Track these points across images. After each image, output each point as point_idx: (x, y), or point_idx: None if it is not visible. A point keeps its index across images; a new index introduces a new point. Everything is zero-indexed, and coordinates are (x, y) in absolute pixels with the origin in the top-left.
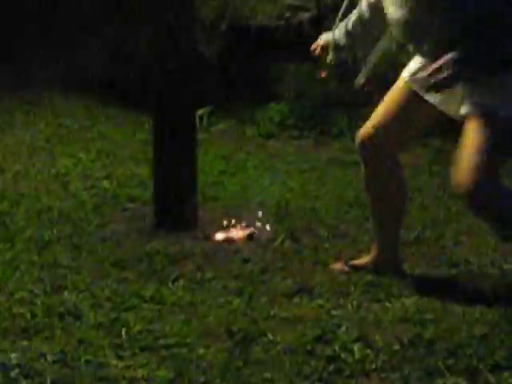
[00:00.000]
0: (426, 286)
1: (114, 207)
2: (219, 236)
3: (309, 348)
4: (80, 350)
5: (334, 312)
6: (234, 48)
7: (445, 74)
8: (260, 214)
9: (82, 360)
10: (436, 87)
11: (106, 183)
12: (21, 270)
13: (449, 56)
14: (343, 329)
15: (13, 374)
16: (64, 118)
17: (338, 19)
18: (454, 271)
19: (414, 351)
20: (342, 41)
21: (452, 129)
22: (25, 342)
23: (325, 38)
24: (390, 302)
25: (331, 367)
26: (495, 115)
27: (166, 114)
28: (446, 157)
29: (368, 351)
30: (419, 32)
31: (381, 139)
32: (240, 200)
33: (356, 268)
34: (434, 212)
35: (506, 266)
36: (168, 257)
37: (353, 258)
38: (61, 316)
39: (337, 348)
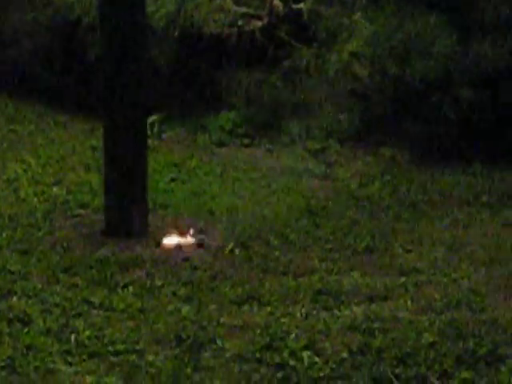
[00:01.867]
0: (375, 294)
1: (64, 213)
2: (167, 241)
3: (258, 355)
4: (28, 356)
5: (283, 319)
6: (186, 55)
7: None
8: (210, 221)
9: (31, 366)
10: None
11: (56, 189)
12: None
13: None
14: (292, 336)
15: None
16: (14, 124)
17: None
18: (403, 279)
19: (363, 359)
20: None
21: (403, 138)
22: None
23: None
24: (339, 310)
25: (280, 374)
26: None
27: (117, 120)
28: (397, 166)
29: (317, 359)
30: None
31: None
32: (191, 207)
33: None
34: (384, 221)
35: (454, 275)
36: (118, 263)
37: (302, 266)
38: (9, 321)
39: (286, 355)
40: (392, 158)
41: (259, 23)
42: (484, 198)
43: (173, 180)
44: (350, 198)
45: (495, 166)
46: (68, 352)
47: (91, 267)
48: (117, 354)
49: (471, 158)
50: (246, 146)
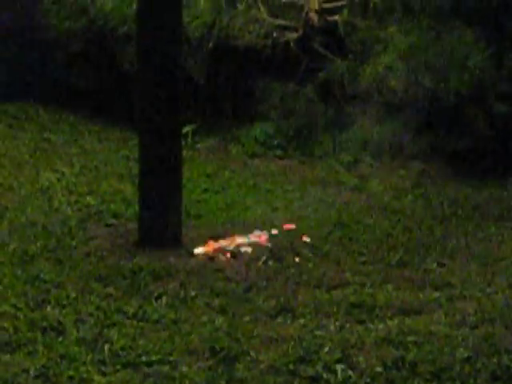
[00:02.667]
0: (408, 308)
1: (97, 223)
2: (198, 250)
3: (291, 368)
4: (62, 366)
5: (316, 332)
6: (221, 66)
7: None
8: (244, 232)
9: (65, 376)
10: None
11: (89, 199)
12: (4, 283)
13: None
14: (326, 349)
15: None
16: (48, 133)
17: None
18: (436, 294)
19: (397, 373)
20: None
21: (436, 152)
22: (7, 357)
23: None
24: (373, 324)
25: None
26: None
27: (152, 130)
28: (429, 180)
29: (350, 372)
30: None
31: None
32: (224, 218)
33: None
34: (417, 234)
35: (488, 290)
36: (152, 274)
37: (335, 279)
38: (44, 331)
39: (319, 368)
40: (425, 172)
41: (294, 35)
42: None
43: (206, 190)
44: (382, 210)
45: None
46: (102, 362)
47: (125, 277)
48: (150, 364)
49: (505, 172)
50: (279, 157)
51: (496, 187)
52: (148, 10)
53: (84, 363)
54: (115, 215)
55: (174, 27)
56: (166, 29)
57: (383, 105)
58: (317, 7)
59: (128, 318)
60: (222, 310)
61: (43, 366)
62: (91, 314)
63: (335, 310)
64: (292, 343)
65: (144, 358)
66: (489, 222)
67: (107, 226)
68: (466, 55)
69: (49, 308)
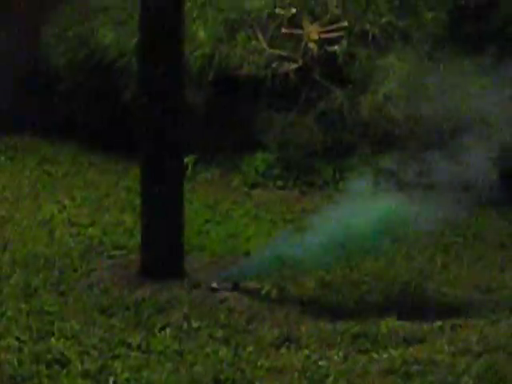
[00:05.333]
0: (412, 337)
1: (99, 254)
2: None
3: None
4: None
5: (320, 362)
6: (221, 97)
7: None
8: (246, 262)
9: None
10: None
11: (91, 230)
12: (8, 316)
13: None
14: (330, 379)
15: None
16: (49, 165)
17: None
18: (439, 322)
19: None
20: None
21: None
22: None
23: None
24: (376, 353)
25: None
26: None
27: (154, 161)
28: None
29: None
30: None
31: None
32: (226, 249)
33: None
34: (419, 262)
35: (493, 317)
36: (155, 305)
37: (338, 309)
38: (48, 364)
39: None
40: None
41: (293, 65)
42: None
43: (208, 221)
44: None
45: None
46: None
47: (128, 309)
48: None
49: (505, 200)
50: (280, 187)
51: (497, 215)
52: (149, 42)
53: None
54: (117, 247)
55: (176, 59)
56: (166, 61)
57: (384, 134)
58: (316, 37)
59: (132, 349)
60: (226, 341)
61: None
62: (95, 346)
63: (339, 340)
64: (296, 374)
65: None
66: (490, 250)
67: (109, 257)
68: (464, 83)
69: (53, 340)
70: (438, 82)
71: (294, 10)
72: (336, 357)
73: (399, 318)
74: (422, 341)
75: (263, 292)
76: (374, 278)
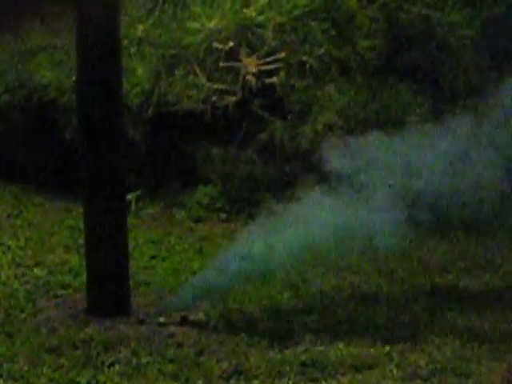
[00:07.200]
0: (360, 364)
1: (46, 294)
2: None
3: None
4: None
5: None
6: (161, 132)
7: None
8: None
9: None
10: None
11: (36, 271)
12: None
13: None
14: None
15: None
16: None
17: None
18: (387, 348)
19: None
20: None
21: None
22: None
23: None
24: (325, 381)
25: None
26: None
27: (96, 199)
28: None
29: None
30: None
31: None
32: (172, 284)
33: None
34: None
35: (436, 341)
36: (103, 343)
37: (287, 338)
38: None
39: None
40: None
41: (233, 98)
42: (462, 264)
43: (153, 257)
44: (327, 267)
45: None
46: None
47: (76, 347)
48: None
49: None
50: (223, 220)
51: (439, 240)
52: (87, 80)
53: None
54: (63, 286)
55: (115, 96)
56: (104, 98)
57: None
58: (254, 70)
59: None
60: (175, 376)
61: None
62: None
63: (288, 369)
64: None
65: None
66: (434, 274)
67: (56, 297)
68: (403, 111)
69: (1, 382)
70: (377, 111)
71: (231, 44)
72: None
73: (347, 345)
74: (371, 367)
75: (211, 324)
76: (318, 308)
